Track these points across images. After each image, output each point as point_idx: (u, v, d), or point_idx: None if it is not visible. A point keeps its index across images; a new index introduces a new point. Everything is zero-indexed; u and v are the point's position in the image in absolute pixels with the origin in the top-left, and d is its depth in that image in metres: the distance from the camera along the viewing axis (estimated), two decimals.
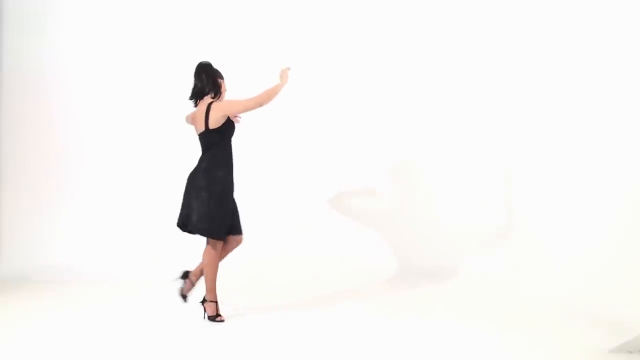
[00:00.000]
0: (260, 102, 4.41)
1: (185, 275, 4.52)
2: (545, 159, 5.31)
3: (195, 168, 4.45)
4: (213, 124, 4.36)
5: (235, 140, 4.52)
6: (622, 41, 4.71)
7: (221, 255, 4.48)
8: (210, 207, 4.32)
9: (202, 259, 4.43)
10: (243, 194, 4.85)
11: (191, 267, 4.56)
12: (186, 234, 4.49)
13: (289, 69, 4.58)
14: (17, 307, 4.79)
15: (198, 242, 5.95)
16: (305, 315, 4.55)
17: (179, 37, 6.26)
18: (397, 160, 6.10)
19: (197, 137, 4.48)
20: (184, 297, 4.52)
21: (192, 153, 6.15)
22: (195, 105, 4.49)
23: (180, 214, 4.46)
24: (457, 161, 5.88)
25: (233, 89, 6.22)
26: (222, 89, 4.50)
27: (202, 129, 4.40)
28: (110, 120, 6.28)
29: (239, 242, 4.55)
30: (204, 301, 4.41)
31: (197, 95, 4.46)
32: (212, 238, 4.39)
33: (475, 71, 5.81)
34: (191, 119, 4.56)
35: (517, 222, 5.52)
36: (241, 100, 4.41)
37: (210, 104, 4.39)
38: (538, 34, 5.41)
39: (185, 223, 4.41)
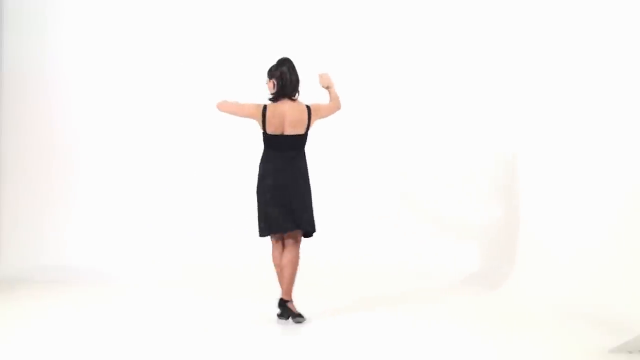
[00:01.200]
0: (338, 108, 4.52)
1: (283, 303, 4.35)
2: (545, 160, 5.31)
3: (289, 169, 4.30)
4: (311, 127, 4.35)
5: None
6: (625, 45, 4.70)
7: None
8: (311, 205, 4.36)
9: (291, 257, 4.29)
10: None
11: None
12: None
13: (327, 73, 4.52)
14: (17, 307, 4.79)
15: (199, 243, 5.98)
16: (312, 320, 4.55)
17: (179, 37, 6.26)
18: (397, 161, 6.09)
19: (277, 136, 4.27)
20: (296, 315, 4.30)
21: (192, 154, 6.20)
22: (275, 101, 4.30)
23: (285, 218, 4.27)
24: (457, 161, 5.88)
25: (231, 89, 6.25)
26: None
27: (302, 131, 4.29)
28: (110, 120, 6.28)
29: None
30: (286, 302, 4.30)
31: (293, 91, 4.29)
32: (312, 234, 4.40)
33: (479, 74, 5.82)
34: (266, 114, 4.25)
35: (517, 222, 5.52)
36: (328, 105, 4.48)
37: (309, 106, 4.31)
38: (542, 34, 5.41)
39: (293, 225, 4.29)
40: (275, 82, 4.26)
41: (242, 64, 6.23)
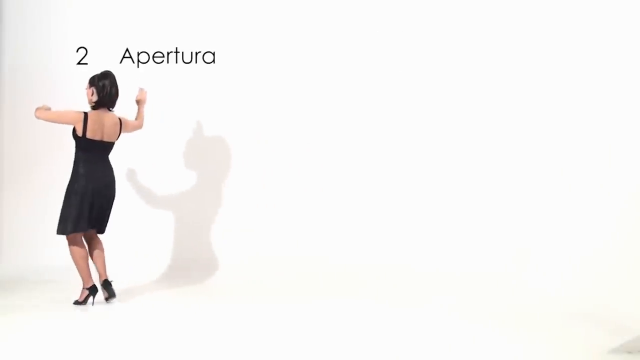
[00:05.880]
0: (140, 127, 5.19)
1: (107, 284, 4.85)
2: (546, 159, 5.31)
3: (108, 176, 4.79)
4: (119, 138, 4.88)
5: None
6: (626, 47, 4.70)
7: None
8: None
9: (101, 249, 4.97)
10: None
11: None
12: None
13: (146, 91, 5.10)
14: (16, 307, 4.78)
15: (197, 243, 5.98)
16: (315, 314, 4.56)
17: (180, 35, 6.26)
18: (396, 158, 6.07)
19: (94, 141, 4.66)
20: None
21: (189, 154, 6.21)
22: (96, 109, 4.71)
23: (98, 219, 4.86)
24: (458, 159, 5.86)
25: (228, 87, 6.25)
26: None
27: (114, 139, 4.79)
28: None
29: None
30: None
31: (112, 103, 4.78)
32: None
33: (478, 77, 5.78)
34: (92, 123, 4.64)
35: (518, 222, 5.52)
36: (134, 122, 5.11)
37: (120, 119, 4.83)
38: (539, 37, 5.42)
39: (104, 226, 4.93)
40: (96, 92, 4.70)
41: (240, 65, 6.24)
